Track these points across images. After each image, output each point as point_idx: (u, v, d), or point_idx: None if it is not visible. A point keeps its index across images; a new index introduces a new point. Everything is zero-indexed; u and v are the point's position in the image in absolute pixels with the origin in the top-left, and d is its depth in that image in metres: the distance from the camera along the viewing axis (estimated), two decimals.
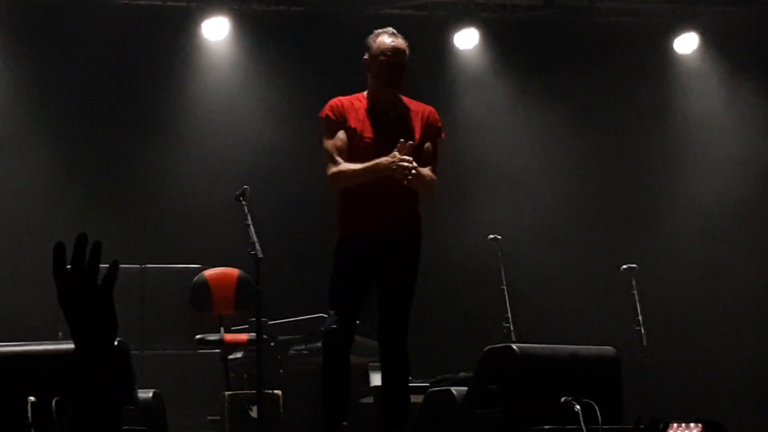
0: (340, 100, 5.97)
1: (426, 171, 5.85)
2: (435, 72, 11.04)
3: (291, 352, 8.69)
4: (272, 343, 8.36)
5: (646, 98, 11.61)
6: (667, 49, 11.69)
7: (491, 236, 9.34)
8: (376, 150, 5.79)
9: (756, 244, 11.32)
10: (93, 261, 1.89)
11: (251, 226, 6.86)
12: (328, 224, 6.10)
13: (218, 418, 7.77)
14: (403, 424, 5.88)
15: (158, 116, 10.89)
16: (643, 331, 9.14)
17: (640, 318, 9.18)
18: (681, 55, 11.74)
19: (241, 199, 7.01)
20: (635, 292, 9.24)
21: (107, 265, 1.92)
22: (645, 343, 9.12)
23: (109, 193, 10.57)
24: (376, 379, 7.62)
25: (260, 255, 6.76)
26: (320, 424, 5.86)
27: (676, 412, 6.88)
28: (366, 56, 5.96)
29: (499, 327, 8.99)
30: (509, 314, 9.03)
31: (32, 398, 4.80)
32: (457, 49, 11.53)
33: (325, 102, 6.02)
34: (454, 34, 11.46)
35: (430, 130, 5.99)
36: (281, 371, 8.50)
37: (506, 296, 9.11)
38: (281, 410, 7.54)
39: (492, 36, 11.46)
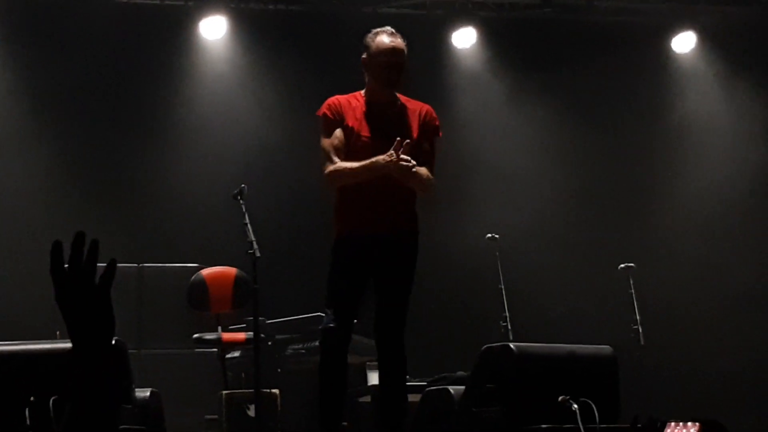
0: (337, 99, 5.96)
1: (423, 170, 5.84)
2: (433, 71, 11.04)
3: (288, 351, 8.69)
4: (270, 342, 8.35)
5: (644, 97, 11.62)
6: (665, 48, 11.69)
7: (489, 235, 9.34)
8: (373, 149, 5.78)
9: (754, 242, 11.31)
10: (90, 260, 1.88)
11: (249, 225, 6.85)
12: (326, 223, 6.09)
13: (216, 417, 7.77)
14: (400, 423, 5.87)
15: (156, 115, 10.89)
16: (640, 330, 9.14)
17: (638, 317, 9.18)
18: (679, 54, 11.75)
19: (239, 198, 7.00)
20: (633, 291, 9.25)
21: (105, 264, 1.91)
22: (642, 342, 9.12)
23: (106, 192, 10.55)
24: (373, 378, 7.60)
25: (258, 254, 6.74)
26: (318, 424, 5.85)
27: (673, 411, 6.86)
28: (364, 55, 5.94)
29: (497, 326, 8.99)
30: (507, 313, 9.03)
31: (32, 399, 4.79)
32: (455, 47, 11.53)
33: (323, 100, 6.01)
34: (451, 33, 11.47)
35: (428, 129, 5.98)
36: (279, 370, 8.49)
37: (504, 295, 9.11)
38: (279, 409, 7.54)
39: (490, 35, 11.46)
